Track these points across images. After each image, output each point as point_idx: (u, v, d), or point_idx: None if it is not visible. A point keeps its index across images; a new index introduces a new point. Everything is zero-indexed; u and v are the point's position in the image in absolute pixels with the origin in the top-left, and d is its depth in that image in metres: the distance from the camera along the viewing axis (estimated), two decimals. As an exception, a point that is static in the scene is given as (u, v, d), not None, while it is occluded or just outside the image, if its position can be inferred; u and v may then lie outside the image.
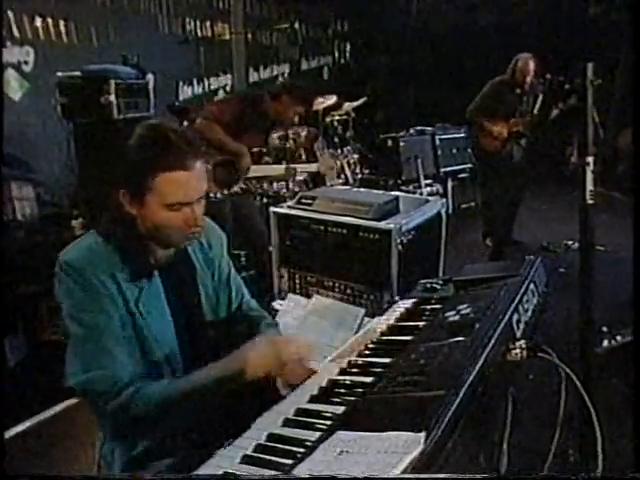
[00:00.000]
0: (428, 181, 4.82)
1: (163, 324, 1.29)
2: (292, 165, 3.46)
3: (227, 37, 5.75)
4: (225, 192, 3.29)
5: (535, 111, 3.91)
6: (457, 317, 1.26)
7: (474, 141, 4.52)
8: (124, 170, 1.25)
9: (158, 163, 1.20)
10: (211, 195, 3.17)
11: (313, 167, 3.63)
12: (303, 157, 4.11)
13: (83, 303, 1.20)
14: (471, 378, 0.94)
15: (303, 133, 4.35)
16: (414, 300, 1.59)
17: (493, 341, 1.06)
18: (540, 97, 3.59)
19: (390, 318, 1.50)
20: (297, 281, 2.83)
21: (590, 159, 1.67)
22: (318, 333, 1.71)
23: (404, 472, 0.75)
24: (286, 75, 6.67)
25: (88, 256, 1.22)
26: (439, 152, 5.05)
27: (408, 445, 0.79)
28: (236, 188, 3.32)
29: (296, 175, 3.47)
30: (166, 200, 1.22)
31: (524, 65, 4.13)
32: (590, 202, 1.72)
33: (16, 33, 3.90)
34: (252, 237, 3.40)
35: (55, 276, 1.23)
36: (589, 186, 1.71)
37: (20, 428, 1.35)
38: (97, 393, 1.20)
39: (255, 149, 3.41)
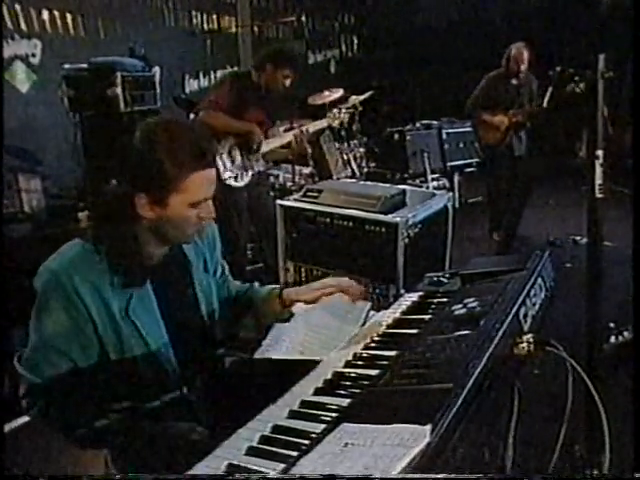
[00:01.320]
0: (435, 175, 4.80)
1: (153, 325, 1.27)
2: (301, 128, 3.45)
3: (233, 30, 5.74)
4: (243, 181, 3.31)
5: (545, 104, 3.87)
6: (464, 310, 1.25)
7: (476, 135, 4.53)
8: (144, 174, 1.18)
9: (189, 164, 1.18)
10: (231, 182, 3.23)
11: (324, 122, 3.61)
12: (309, 150, 4.09)
13: (50, 315, 1.18)
14: (478, 371, 0.93)
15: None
16: (420, 293, 1.59)
17: (500, 334, 1.05)
18: (550, 89, 3.55)
19: (396, 311, 1.49)
20: (303, 274, 2.83)
21: (600, 152, 1.65)
22: (323, 326, 1.70)
23: (410, 465, 0.75)
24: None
25: (71, 268, 1.18)
26: (446, 146, 5.02)
27: (414, 438, 0.79)
28: (246, 180, 3.33)
29: (304, 140, 3.47)
30: (194, 198, 1.21)
31: (518, 54, 4.13)
32: (599, 196, 1.70)
33: (23, 26, 3.91)
34: (265, 228, 3.39)
35: (36, 281, 1.21)
36: (598, 180, 1.69)
37: (24, 419, 1.36)
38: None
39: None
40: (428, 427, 0.80)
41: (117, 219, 1.22)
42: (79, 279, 1.17)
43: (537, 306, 1.27)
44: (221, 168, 3.15)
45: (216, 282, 1.49)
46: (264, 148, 3.35)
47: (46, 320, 1.18)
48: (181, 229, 1.25)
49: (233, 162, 3.27)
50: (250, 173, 3.34)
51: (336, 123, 3.61)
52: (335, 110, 3.60)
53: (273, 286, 1.60)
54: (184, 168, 1.18)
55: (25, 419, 1.45)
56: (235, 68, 5.86)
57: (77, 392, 1.21)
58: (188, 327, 1.36)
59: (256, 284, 1.63)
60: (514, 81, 4.22)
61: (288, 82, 3.29)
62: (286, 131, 3.52)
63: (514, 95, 4.22)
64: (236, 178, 3.26)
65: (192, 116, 3.54)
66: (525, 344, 1.06)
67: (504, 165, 4.34)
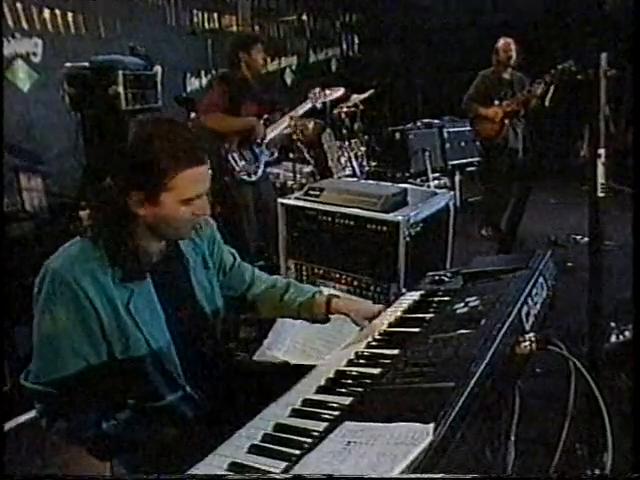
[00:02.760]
0: (436, 174, 4.80)
1: (154, 322, 1.27)
2: (289, 114, 3.56)
3: (234, 29, 5.73)
4: (256, 176, 3.39)
5: (546, 102, 3.89)
6: (465, 309, 1.25)
7: (474, 130, 4.64)
8: (136, 172, 1.18)
9: (178, 161, 1.18)
10: (245, 177, 3.32)
11: (308, 104, 3.67)
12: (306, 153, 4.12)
13: (58, 314, 1.17)
14: (480, 370, 0.93)
15: (310, 125, 4.34)
16: (422, 292, 1.59)
17: (502, 333, 1.05)
18: (552, 87, 3.56)
19: (398, 310, 1.49)
20: (304, 273, 2.83)
21: (602, 151, 1.64)
22: (324, 325, 1.70)
23: (412, 463, 0.75)
24: (293, 67, 6.65)
25: (74, 265, 1.18)
26: (447, 145, 5.02)
27: (417, 436, 0.79)
28: (259, 173, 3.40)
29: (299, 124, 3.60)
30: (184, 196, 1.21)
31: (505, 45, 4.30)
32: (601, 195, 1.70)
33: (25, 24, 3.91)
34: (269, 226, 3.42)
35: (39, 282, 1.20)
36: (600, 179, 1.69)
37: (28, 416, 1.36)
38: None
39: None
40: (431, 425, 0.80)
41: (113, 215, 1.22)
42: (81, 274, 1.17)
43: (539, 305, 1.27)
44: (234, 166, 3.28)
45: (220, 278, 1.49)
46: (266, 138, 3.44)
47: (54, 319, 1.18)
48: (175, 226, 1.26)
49: (244, 158, 3.36)
50: (262, 167, 3.42)
51: (319, 103, 3.66)
52: (317, 90, 3.65)
53: (316, 289, 1.62)
54: (174, 165, 1.18)
55: (25, 419, 1.45)
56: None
57: (87, 393, 1.22)
58: (189, 325, 1.36)
59: (293, 281, 1.66)
60: (505, 75, 4.38)
61: (262, 57, 3.42)
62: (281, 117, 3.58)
63: (507, 88, 4.37)
64: (249, 174, 3.36)
65: (193, 115, 3.55)
66: (527, 343, 1.06)
67: (499, 159, 4.45)
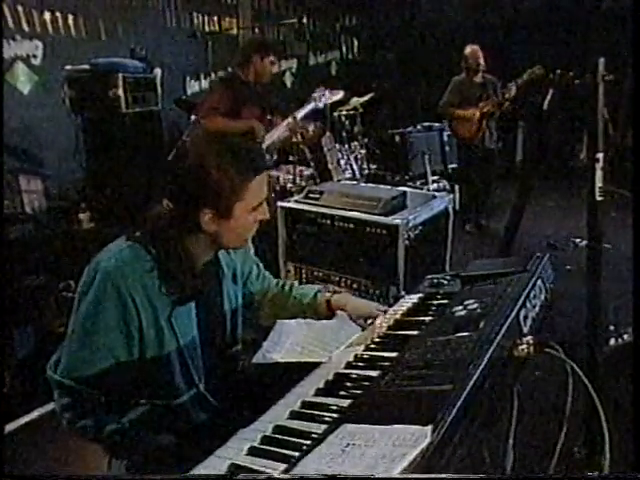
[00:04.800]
0: (436, 177, 4.81)
1: (189, 330, 1.29)
2: (292, 116, 3.54)
3: (235, 32, 5.74)
4: None
5: (544, 107, 3.92)
6: (464, 312, 1.26)
7: (452, 132, 4.85)
8: (208, 192, 1.20)
9: (250, 170, 1.22)
10: None
11: (309, 106, 3.67)
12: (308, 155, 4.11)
13: (102, 314, 1.18)
14: (478, 372, 0.93)
15: (311, 128, 4.35)
16: (421, 295, 1.59)
17: (500, 336, 1.06)
18: (550, 92, 3.60)
19: (397, 313, 1.50)
20: (304, 276, 2.84)
21: (600, 155, 1.65)
22: (324, 327, 1.71)
23: (411, 465, 0.75)
24: (293, 70, 6.66)
25: (126, 269, 1.19)
26: (447, 148, 5.03)
27: (415, 438, 0.79)
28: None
29: (300, 126, 3.59)
30: (255, 202, 1.25)
31: (472, 51, 4.55)
32: (599, 199, 1.71)
33: (25, 27, 3.92)
34: (265, 229, 3.44)
35: (87, 279, 1.21)
36: (598, 183, 1.69)
37: (27, 419, 1.36)
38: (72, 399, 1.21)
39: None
40: (429, 428, 0.80)
41: (173, 239, 1.24)
42: (132, 279, 1.19)
43: (537, 308, 1.27)
44: None
45: (243, 292, 1.52)
46: (267, 141, 3.41)
47: (98, 318, 1.18)
48: (244, 236, 1.31)
49: None
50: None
51: (321, 103, 3.67)
52: (318, 91, 3.66)
53: (316, 287, 1.65)
54: (246, 175, 1.22)
55: (25, 419, 1.45)
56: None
57: (114, 391, 1.23)
58: (213, 330, 1.39)
59: (296, 283, 1.70)
60: (477, 79, 4.62)
61: (275, 68, 3.37)
62: (282, 121, 3.58)
63: (480, 91, 4.61)
64: None
65: (192, 117, 3.56)
66: (525, 346, 1.07)
67: (477, 158, 4.68)
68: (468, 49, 4.59)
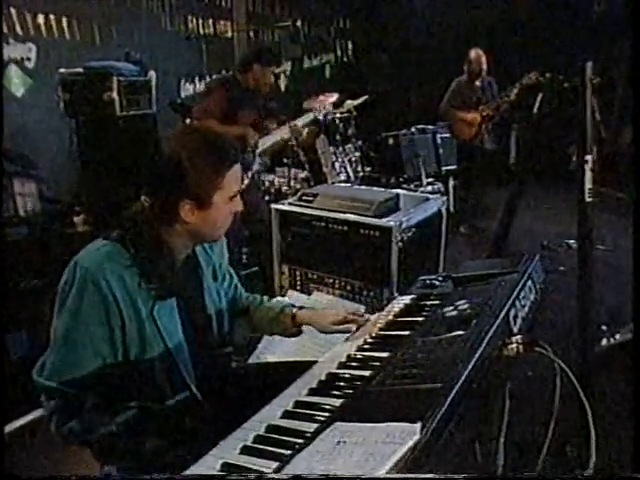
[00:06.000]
0: (430, 179, 4.83)
1: (172, 327, 1.29)
2: (293, 123, 3.60)
3: (229, 34, 5.75)
4: (243, 184, 3.38)
5: (535, 110, 3.95)
6: (455, 312, 1.28)
7: (453, 134, 4.94)
8: (188, 183, 1.22)
9: (226, 161, 1.25)
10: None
11: (310, 116, 3.70)
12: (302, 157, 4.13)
13: (84, 312, 1.18)
14: (467, 371, 0.95)
15: (305, 130, 4.36)
16: (413, 296, 1.61)
17: (490, 335, 1.07)
18: (540, 95, 3.64)
19: (389, 314, 1.51)
20: (298, 278, 2.85)
21: (589, 157, 1.68)
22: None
23: (400, 461, 0.76)
24: (288, 73, 6.68)
25: (105, 265, 1.20)
26: (441, 150, 5.05)
27: (404, 435, 0.80)
28: (246, 181, 3.38)
29: (301, 134, 3.64)
30: (231, 192, 1.28)
31: (476, 56, 4.66)
32: (588, 200, 1.73)
33: (19, 30, 3.91)
34: (259, 232, 3.43)
35: (68, 278, 1.21)
36: (588, 184, 1.72)
37: (22, 422, 1.36)
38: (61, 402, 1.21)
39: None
40: (418, 425, 0.81)
41: (151, 232, 1.26)
42: (112, 276, 1.19)
43: (527, 308, 1.29)
44: None
45: (224, 290, 1.53)
46: (260, 148, 3.43)
47: (80, 317, 1.19)
48: (221, 226, 1.33)
49: None
50: (249, 175, 3.41)
51: (321, 115, 3.68)
52: (319, 102, 3.68)
53: (284, 303, 1.64)
54: (224, 164, 1.25)
55: (25, 419, 1.45)
56: (230, 73, 5.89)
57: (100, 393, 1.23)
58: (199, 329, 1.39)
59: (265, 298, 1.67)
60: (477, 83, 4.74)
61: (273, 79, 3.38)
62: (278, 126, 3.59)
63: (480, 95, 4.75)
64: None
65: (187, 120, 3.56)
66: (514, 345, 1.08)
67: (476, 159, 4.81)
68: (473, 53, 4.67)
